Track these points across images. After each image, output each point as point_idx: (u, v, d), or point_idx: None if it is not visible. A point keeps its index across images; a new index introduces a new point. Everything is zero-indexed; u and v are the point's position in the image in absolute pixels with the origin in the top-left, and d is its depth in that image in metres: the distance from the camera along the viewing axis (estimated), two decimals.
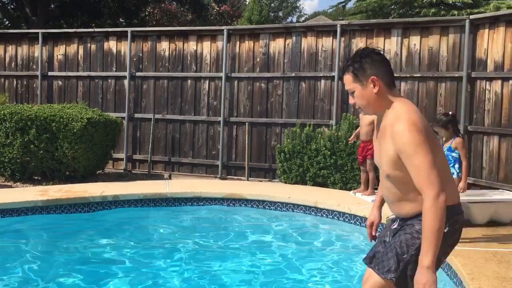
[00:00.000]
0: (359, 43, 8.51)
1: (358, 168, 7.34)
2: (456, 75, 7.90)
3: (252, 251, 5.28)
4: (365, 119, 5.98)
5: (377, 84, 2.33)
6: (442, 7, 15.91)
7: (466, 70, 7.76)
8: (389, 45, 8.32)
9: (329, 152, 7.80)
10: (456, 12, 15.11)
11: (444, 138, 4.79)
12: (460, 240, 4.66)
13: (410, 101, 2.42)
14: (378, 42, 8.38)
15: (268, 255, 5.20)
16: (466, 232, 5.07)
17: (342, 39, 8.56)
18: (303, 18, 46.53)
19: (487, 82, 7.61)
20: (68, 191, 6.87)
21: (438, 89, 8.07)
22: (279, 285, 4.46)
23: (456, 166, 4.67)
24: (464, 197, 5.60)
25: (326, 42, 8.73)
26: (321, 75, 8.73)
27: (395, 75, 8.32)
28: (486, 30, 7.61)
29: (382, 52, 2.38)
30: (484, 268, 4.01)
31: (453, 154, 4.66)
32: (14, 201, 6.18)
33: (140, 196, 6.79)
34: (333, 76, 8.58)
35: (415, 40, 8.19)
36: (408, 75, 8.20)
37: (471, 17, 7.81)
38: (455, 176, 4.67)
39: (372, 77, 2.32)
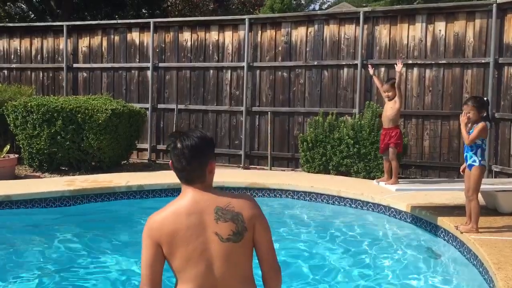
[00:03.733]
0: (382, 30, 8.39)
1: (381, 156, 7.27)
2: (482, 61, 7.74)
3: (275, 240, 5.30)
4: (390, 103, 5.87)
5: (172, 168, 2.12)
6: None
7: (493, 56, 7.58)
8: (414, 32, 8.18)
9: (352, 141, 7.74)
10: None
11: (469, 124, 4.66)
12: (486, 229, 4.63)
13: (187, 198, 2.06)
14: (402, 29, 8.25)
15: (289, 243, 5.22)
16: (493, 221, 4.99)
17: (365, 26, 8.44)
18: (326, 6, 45.93)
19: None
20: (94, 181, 6.99)
21: (464, 76, 7.92)
22: (300, 274, 4.48)
23: (479, 152, 4.54)
24: (491, 185, 5.53)
25: (349, 30, 8.63)
26: (344, 63, 8.64)
27: (419, 62, 8.13)
28: None
29: (179, 146, 2.05)
30: (511, 257, 3.94)
31: (476, 141, 4.55)
32: (43, 191, 6.33)
33: (164, 186, 6.87)
34: (356, 64, 8.49)
35: (440, 26, 8.03)
36: (433, 62, 8.05)
37: (498, 1, 7.60)
38: (477, 164, 4.56)
39: (170, 161, 2.13)
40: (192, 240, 2.00)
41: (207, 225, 2.01)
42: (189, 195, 2.07)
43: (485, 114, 4.64)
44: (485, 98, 4.74)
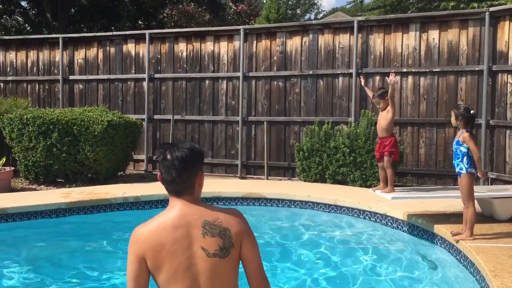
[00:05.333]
0: (376, 39, 8.44)
1: (377, 165, 7.28)
2: (476, 69, 7.78)
3: (272, 250, 5.30)
4: (383, 114, 5.92)
5: (160, 181, 2.09)
6: (462, 0, 15.63)
7: (487, 64, 7.63)
8: (408, 40, 8.23)
9: (348, 150, 7.76)
10: (476, 5, 14.85)
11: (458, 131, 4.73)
12: (482, 236, 4.63)
13: (174, 211, 2.03)
14: (396, 38, 8.30)
15: (285, 252, 5.21)
16: (489, 228, 5.00)
17: (360, 35, 8.50)
18: (321, 15, 46.21)
19: (509, 75, 7.48)
20: (91, 193, 6.97)
21: (459, 84, 7.96)
22: (295, 282, 4.47)
23: (465, 160, 4.59)
24: (486, 192, 5.54)
25: (343, 39, 8.68)
26: (339, 72, 8.69)
27: (414, 70, 8.18)
28: (507, 22, 7.47)
29: (169, 157, 2.03)
30: (507, 264, 3.94)
31: (461, 148, 4.61)
32: (39, 204, 6.30)
33: (160, 197, 6.85)
34: (351, 73, 8.53)
35: (434, 34, 8.09)
36: (427, 70, 8.10)
37: (491, 9, 7.68)
38: (464, 171, 4.59)
39: (159, 173, 2.10)
40: (178, 254, 1.95)
41: (194, 239, 1.96)
42: (177, 208, 2.02)
43: (465, 123, 4.65)
44: (471, 111, 4.72)
